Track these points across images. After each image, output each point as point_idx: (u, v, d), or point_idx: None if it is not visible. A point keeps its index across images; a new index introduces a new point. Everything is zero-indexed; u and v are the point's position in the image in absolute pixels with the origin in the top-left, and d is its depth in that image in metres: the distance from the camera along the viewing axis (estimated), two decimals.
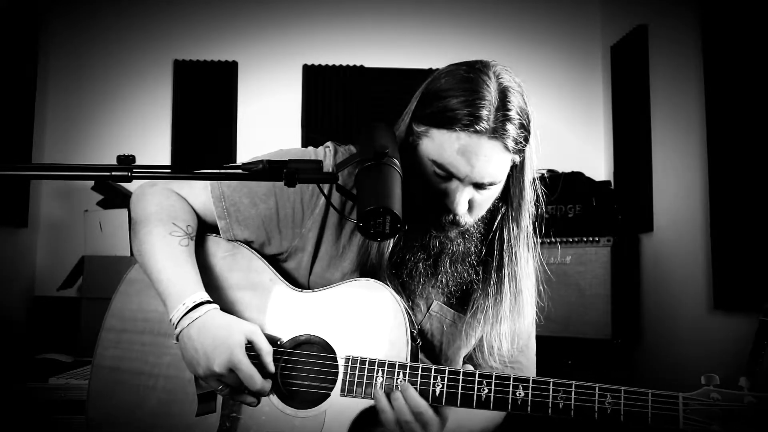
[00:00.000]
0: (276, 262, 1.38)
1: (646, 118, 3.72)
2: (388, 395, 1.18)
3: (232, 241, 1.38)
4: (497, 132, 1.17)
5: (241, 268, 1.36)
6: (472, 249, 1.33)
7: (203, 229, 1.41)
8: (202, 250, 1.38)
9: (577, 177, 3.77)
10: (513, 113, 1.19)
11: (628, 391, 1.09)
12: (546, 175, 3.75)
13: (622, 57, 4.06)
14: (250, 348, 1.24)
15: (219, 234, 1.39)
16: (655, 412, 1.07)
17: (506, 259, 1.33)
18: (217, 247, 1.38)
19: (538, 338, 1.52)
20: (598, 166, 4.30)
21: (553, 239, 3.41)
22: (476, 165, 1.18)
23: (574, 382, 1.12)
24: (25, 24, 3.92)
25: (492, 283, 1.34)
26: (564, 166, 3.81)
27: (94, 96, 4.28)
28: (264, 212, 1.34)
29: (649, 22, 3.74)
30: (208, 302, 1.26)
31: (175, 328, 1.25)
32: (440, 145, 1.20)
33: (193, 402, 1.30)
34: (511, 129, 1.19)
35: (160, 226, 1.33)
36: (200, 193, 1.37)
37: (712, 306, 3.04)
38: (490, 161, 1.19)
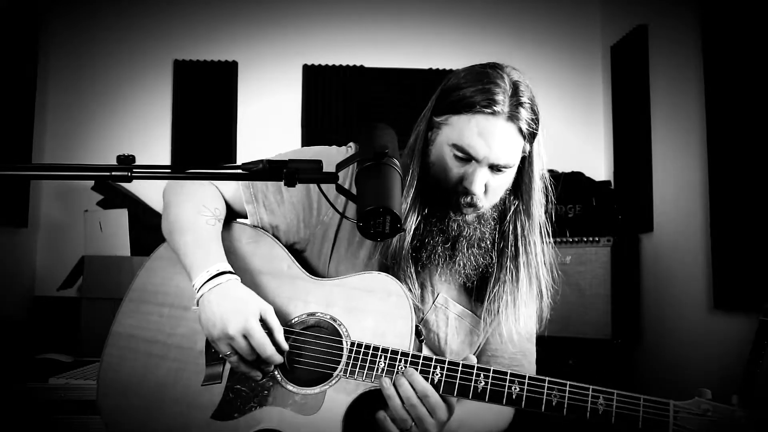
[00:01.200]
0: (296, 252, 1.46)
1: (646, 118, 3.72)
2: (393, 383, 1.21)
3: (257, 227, 1.46)
4: (512, 115, 1.28)
5: (263, 254, 1.44)
6: (487, 235, 1.40)
7: (231, 217, 1.49)
8: (228, 235, 1.46)
9: (577, 177, 3.78)
10: (525, 99, 1.30)
11: (621, 394, 1.12)
12: (546, 175, 3.76)
13: (622, 57, 4.06)
14: (263, 324, 1.30)
15: (245, 223, 1.48)
16: (645, 416, 1.10)
17: (521, 248, 1.42)
18: (242, 233, 1.47)
19: (538, 338, 1.53)
20: (598, 166, 4.31)
21: (553, 239, 3.40)
22: (493, 146, 1.28)
23: (568, 382, 1.16)
24: (25, 24, 3.92)
25: (508, 270, 1.41)
26: (564, 166, 3.81)
27: (94, 96, 4.28)
28: (289, 199, 1.43)
29: (649, 22, 3.75)
30: (230, 272, 1.35)
31: (197, 292, 1.32)
32: (460, 129, 1.30)
33: (200, 372, 1.36)
34: (524, 113, 1.30)
35: (189, 206, 1.43)
36: (230, 181, 1.46)
37: (712, 306, 3.04)
38: (506, 142, 1.29)
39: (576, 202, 3.65)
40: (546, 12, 4.47)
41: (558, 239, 3.51)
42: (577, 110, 4.40)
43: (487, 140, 1.28)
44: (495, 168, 1.31)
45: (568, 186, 3.68)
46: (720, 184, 3.00)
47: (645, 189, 3.69)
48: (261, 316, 1.30)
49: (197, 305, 1.33)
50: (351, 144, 1.47)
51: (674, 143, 3.48)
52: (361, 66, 4.35)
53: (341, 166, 1.15)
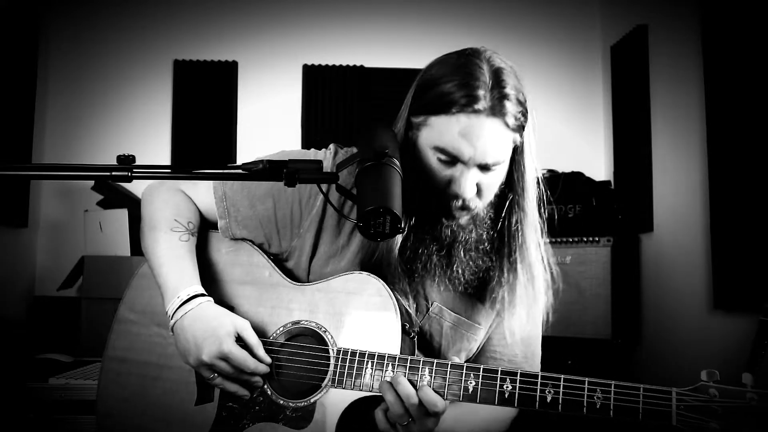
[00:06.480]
0: (278, 261, 1.42)
1: (646, 118, 3.72)
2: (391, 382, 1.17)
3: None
4: (495, 110, 1.18)
5: (243, 263, 1.41)
6: (485, 236, 1.32)
7: (209, 226, 1.46)
8: (207, 246, 1.44)
9: (577, 177, 3.77)
10: (509, 90, 1.19)
11: (619, 385, 1.07)
12: (546, 175, 3.77)
13: (622, 57, 4.06)
14: (240, 342, 1.28)
15: None
16: (646, 407, 1.04)
17: (515, 245, 1.33)
18: (220, 243, 1.44)
19: None
20: (598, 166, 4.30)
21: (553, 239, 3.41)
22: (478, 145, 1.18)
23: (563, 376, 1.11)
24: (25, 24, 3.92)
25: (505, 270, 1.34)
26: (564, 166, 3.81)
27: (94, 96, 4.28)
28: (262, 213, 1.37)
29: (649, 22, 3.74)
30: (202, 295, 1.31)
31: (171, 319, 1.30)
32: (440, 131, 1.20)
33: (193, 392, 1.35)
34: (509, 106, 1.19)
35: (162, 222, 1.39)
36: (204, 193, 1.42)
37: (712, 306, 3.04)
38: (492, 140, 1.19)
39: (576, 202, 3.65)
40: (546, 12, 4.47)
41: (558, 239, 3.51)
42: (577, 110, 4.40)
43: (471, 140, 1.18)
44: (484, 167, 1.21)
45: (568, 186, 3.67)
46: (720, 184, 3.00)
47: (645, 189, 3.69)
48: (238, 334, 1.27)
49: (172, 332, 1.31)
50: (331, 146, 1.40)
51: (674, 143, 3.48)
52: (361, 66, 4.35)
53: (342, 165, 1.15)
